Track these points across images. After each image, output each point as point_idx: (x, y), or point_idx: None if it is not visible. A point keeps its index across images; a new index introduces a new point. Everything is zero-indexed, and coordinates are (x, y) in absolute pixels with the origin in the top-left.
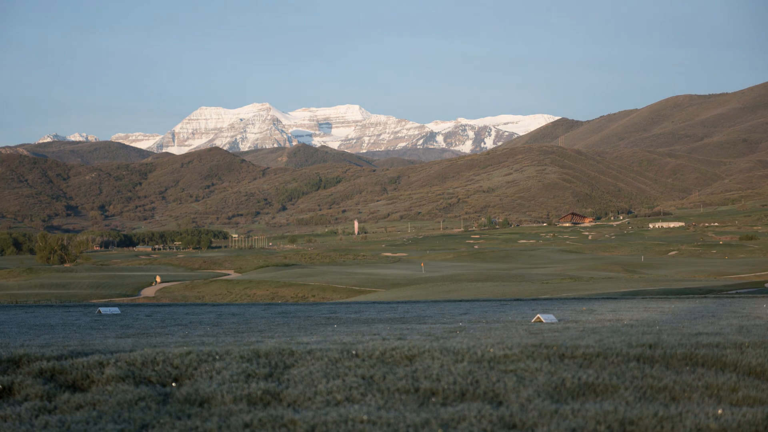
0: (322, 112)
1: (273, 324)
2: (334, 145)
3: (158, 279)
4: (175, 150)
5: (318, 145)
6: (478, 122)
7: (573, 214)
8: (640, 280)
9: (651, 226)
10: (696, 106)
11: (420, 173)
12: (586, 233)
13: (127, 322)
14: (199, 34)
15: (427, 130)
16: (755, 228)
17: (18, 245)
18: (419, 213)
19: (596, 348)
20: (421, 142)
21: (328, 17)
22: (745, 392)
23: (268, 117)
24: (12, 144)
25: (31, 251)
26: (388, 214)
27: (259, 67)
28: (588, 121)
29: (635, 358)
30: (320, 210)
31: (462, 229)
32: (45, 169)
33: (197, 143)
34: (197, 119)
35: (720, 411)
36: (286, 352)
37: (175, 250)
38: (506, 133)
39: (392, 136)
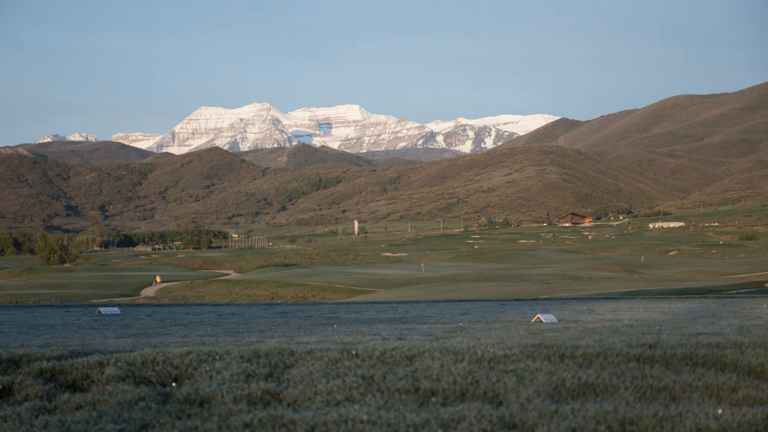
0: (322, 112)
1: (273, 324)
2: (334, 145)
3: (158, 279)
4: (175, 150)
5: (318, 145)
6: (478, 122)
7: (573, 214)
8: (640, 280)
9: (651, 226)
10: (696, 106)
11: (420, 173)
12: (586, 233)
13: (127, 322)
14: (199, 34)
15: (427, 130)
16: (755, 228)
17: (18, 245)
18: (419, 213)
19: (596, 348)
20: (421, 142)
21: (328, 17)
22: (745, 392)
23: (268, 117)
24: (12, 144)
25: (31, 251)
26: (388, 214)
27: (259, 67)
28: (588, 121)
29: (635, 358)
30: (320, 210)
31: (462, 229)
32: (45, 169)
33: (197, 143)
34: (197, 119)
35: (720, 411)
36: (286, 352)
37: (175, 250)
38: (506, 133)
39: (392, 136)
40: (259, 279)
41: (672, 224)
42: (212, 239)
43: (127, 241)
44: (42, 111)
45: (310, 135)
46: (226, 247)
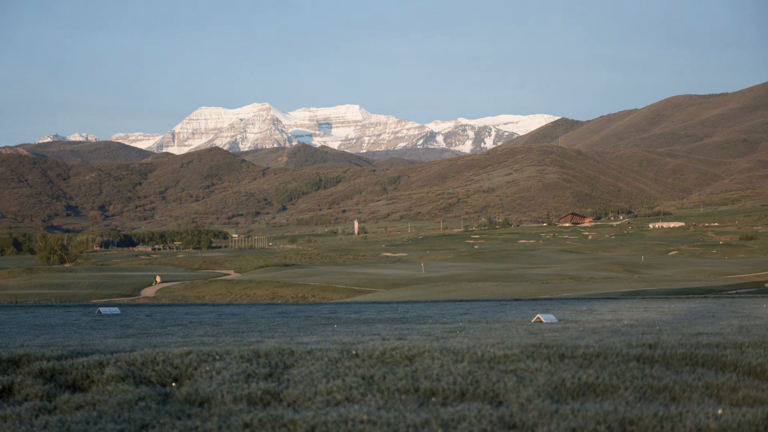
0: (322, 112)
1: (273, 324)
2: (334, 145)
3: (158, 279)
4: (175, 150)
5: (318, 145)
6: (478, 122)
7: (573, 214)
8: (640, 280)
9: (651, 226)
10: (696, 106)
11: (420, 173)
12: (586, 233)
13: (127, 322)
14: (199, 34)
15: (427, 130)
16: (755, 228)
17: (18, 245)
18: (419, 213)
19: (596, 348)
20: (421, 142)
21: (328, 17)
22: (745, 392)
23: (268, 117)
24: (12, 144)
25: (31, 251)
26: (388, 214)
27: (259, 67)
28: (588, 121)
29: (635, 358)
30: (320, 210)
31: (462, 229)
32: (45, 169)
33: (197, 143)
34: (197, 119)
35: (720, 411)
36: (286, 352)
37: (175, 250)
38: (506, 133)
39: (392, 136)
40: (259, 279)
41: (672, 224)
42: (212, 239)
43: (127, 241)
44: (42, 111)
45: (310, 135)
46: (226, 247)
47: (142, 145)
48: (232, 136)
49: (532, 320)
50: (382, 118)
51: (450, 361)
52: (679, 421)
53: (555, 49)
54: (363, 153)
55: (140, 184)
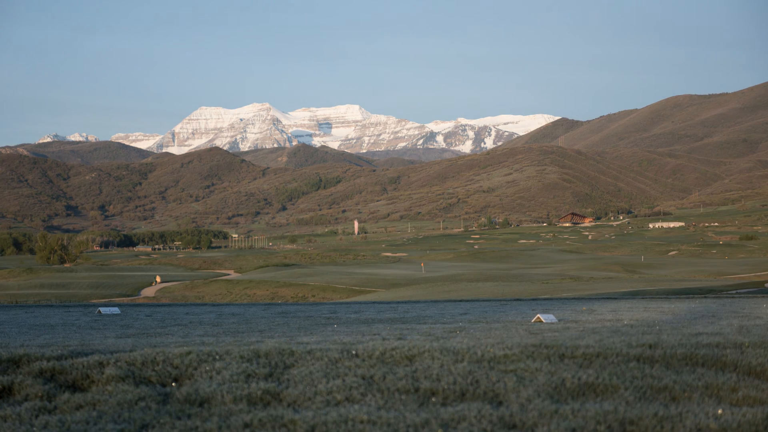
0: (322, 112)
1: (273, 324)
2: (334, 145)
3: (158, 279)
4: (175, 150)
5: (318, 145)
6: (478, 122)
7: (573, 214)
8: (640, 280)
9: (651, 226)
10: (696, 106)
11: (420, 173)
12: (586, 233)
13: (127, 322)
14: (199, 34)
15: (427, 130)
16: (755, 228)
17: (18, 245)
18: (419, 213)
19: (596, 348)
20: (421, 142)
21: (327, 17)
22: (745, 392)
23: (268, 117)
24: (12, 144)
25: (31, 251)
26: (388, 214)
27: (259, 67)
28: (588, 121)
29: (635, 358)
30: (320, 210)
31: (462, 229)
32: (45, 169)
33: (197, 143)
34: (197, 119)
35: (720, 411)
36: (286, 352)
37: (175, 250)
38: (506, 133)
39: (392, 136)
40: (259, 279)
41: (672, 224)
42: (212, 239)
43: (127, 241)
44: (42, 111)
45: (310, 135)
46: (226, 247)
47: (142, 145)
48: (232, 136)
49: (532, 320)
50: (382, 118)
51: (450, 361)
52: (679, 421)
53: (555, 49)
54: (363, 153)
55: (140, 184)
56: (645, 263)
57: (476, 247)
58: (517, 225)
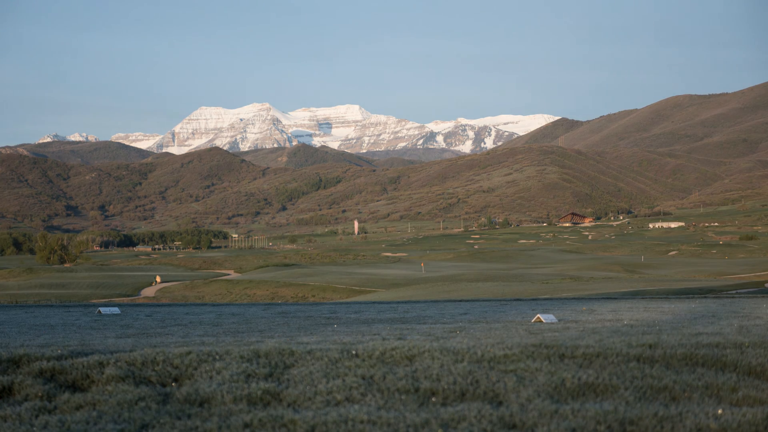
0: (322, 112)
1: (273, 324)
2: (334, 145)
3: (158, 279)
4: (175, 150)
5: (318, 145)
6: (478, 122)
7: (573, 214)
8: (640, 280)
9: (651, 226)
10: (696, 106)
11: (420, 173)
12: (586, 233)
13: (127, 322)
14: (199, 34)
15: (427, 130)
16: (755, 228)
17: (18, 245)
18: (419, 213)
19: (596, 348)
20: (421, 142)
21: (327, 17)
22: (745, 392)
23: (268, 117)
24: (12, 144)
25: (31, 251)
26: (388, 214)
27: (259, 67)
28: (588, 121)
29: (635, 358)
30: (320, 210)
31: (462, 229)
32: (45, 169)
33: (197, 143)
34: (197, 119)
35: (720, 411)
36: (286, 352)
37: (175, 250)
38: (506, 133)
39: (392, 136)
40: (259, 279)
41: (672, 224)
42: (212, 239)
43: (127, 241)
44: (42, 111)
45: (310, 135)
46: (226, 247)
47: (142, 145)
48: (232, 136)
49: (532, 320)
50: (382, 118)
51: (450, 361)
52: (679, 421)
53: (555, 49)
54: (363, 153)
55: (140, 184)
56: (645, 263)
57: (476, 247)
58: (517, 225)
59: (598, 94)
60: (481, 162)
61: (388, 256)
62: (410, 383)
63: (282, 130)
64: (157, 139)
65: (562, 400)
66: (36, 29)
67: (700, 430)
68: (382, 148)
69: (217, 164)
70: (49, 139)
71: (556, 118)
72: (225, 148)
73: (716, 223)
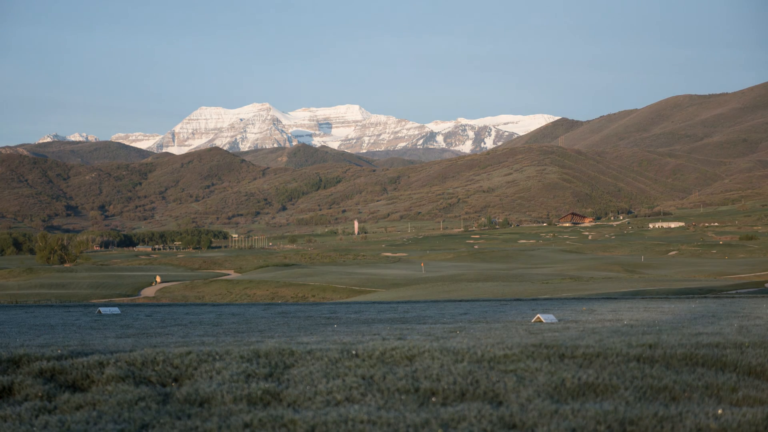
0: (322, 112)
1: (273, 324)
2: (334, 145)
3: (158, 279)
4: (175, 150)
5: (318, 145)
6: (478, 122)
7: (573, 214)
8: (640, 280)
9: (651, 226)
10: (696, 106)
11: (420, 173)
12: (586, 233)
13: (127, 322)
14: (199, 34)
15: (427, 130)
16: (755, 228)
17: (18, 245)
18: (419, 213)
19: (596, 348)
20: (421, 142)
21: (328, 17)
22: (745, 392)
23: (268, 117)
24: (12, 144)
25: (31, 251)
26: (388, 214)
27: (259, 67)
28: (588, 121)
29: (635, 358)
30: (320, 210)
31: (462, 229)
32: (45, 169)
33: (197, 143)
34: (197, 119)
35: (720, 411)
36: (286, 352)
37: (175, 250)
38: (506, 133)
39: (392, 136)
40: (259, 279)
41: (672, 224)
42: (212, 239)
43: (127, 241)
44: (42, 111)
45: (310, 135)
46: (226, 247)
47: (142, 145)
48: (232, 136)
49: (532, 320)
50: (382, 118)
51: (450, 361)
52: (679, 421)
53: (555, 49)
54: (363, 153)
55: (140, 184)
56: (645, 263)
57: (476, 247)
58: (517, 225)
59: (598, 94)
60: (481, 162)
61: (388, 256)
62: (410, 383)
63: (282, 130)
64: (157, 139)
65: (562, 400)
66: (36, 29)
67: (700, 430)
68: (382, 148)
69: (217, 164)
70: (49, 139)
71: (556, 118)
72: (225, 148)
73: (716, 223)
